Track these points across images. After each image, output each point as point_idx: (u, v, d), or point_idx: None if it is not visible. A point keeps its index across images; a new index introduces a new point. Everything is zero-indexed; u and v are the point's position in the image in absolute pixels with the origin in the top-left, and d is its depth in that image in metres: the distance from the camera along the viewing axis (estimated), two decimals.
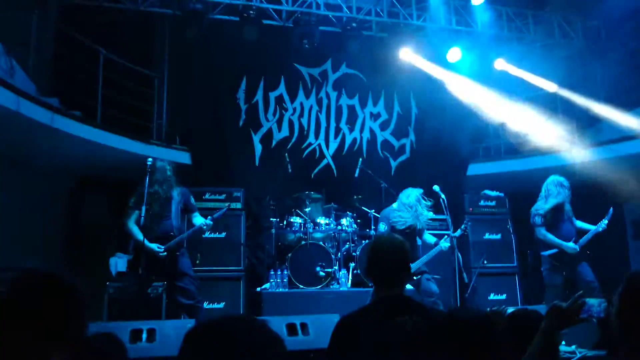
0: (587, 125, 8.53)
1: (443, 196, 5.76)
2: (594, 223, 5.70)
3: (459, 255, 5.80)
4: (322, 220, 6.81)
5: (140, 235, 4.56)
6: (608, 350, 4.27)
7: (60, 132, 5.60)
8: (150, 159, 4.79)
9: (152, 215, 4.72)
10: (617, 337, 1.70)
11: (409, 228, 5.40)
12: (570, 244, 5.55)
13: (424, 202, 5.59)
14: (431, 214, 6.09)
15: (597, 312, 1.88)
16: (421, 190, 5.64)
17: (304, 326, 3.89)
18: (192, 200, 5.12)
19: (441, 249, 5.41)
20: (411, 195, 5.56)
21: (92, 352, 1.59)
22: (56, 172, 7.33)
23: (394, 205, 5.71)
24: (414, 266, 5.38)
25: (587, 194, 5.80)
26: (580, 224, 5.78)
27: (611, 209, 5.70)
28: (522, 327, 2.48)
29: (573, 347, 4.88)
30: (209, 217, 4.95)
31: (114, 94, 6.79)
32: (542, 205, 5.73)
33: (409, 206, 5.48)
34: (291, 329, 3.86)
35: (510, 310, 3.01)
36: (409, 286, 5.56)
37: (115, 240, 7.09)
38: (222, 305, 6.15)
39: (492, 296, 7.16)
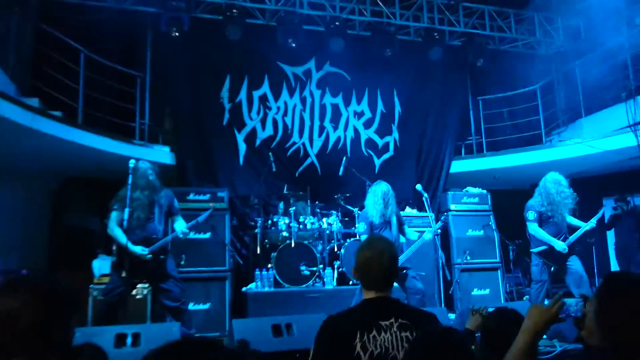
0: (567, 122, 8.68)
1: (426, 195, 5.82)
2: (584, 219, 5.81)
3: (441, 252, 5.86)
4: (306, 219, 6.83)
5: (123, 238, 4.52)
6: (585, 347, 4.38)
7: (41, 133, 5.53)
8: (132, 161, 4.73)
9: (135, 219, 4.68)
10: (590, 336, 1.75)
11: (384, 219, 5.43)
12: (560, 243, 5.64)
13: (392, 192, 5.58)
14: (414, 212, 6.17)
15: (574, 311, 1.93)
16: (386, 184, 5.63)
17: (289, 327, 3.91)
18: (176, 203, 5.09)
19: (424, 240, 5.45)
20: (378, 188, 5.56)
21: None
22: (38, 173, 7.25)
23: (366, 201, 5.71)
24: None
25: (574, 190, 5.88)
26: (570, 219, 5.88)
27: (603, 206, 5.81)
28: (502, 325, 2.54)
29: (554, 340, 4.99)
30: (192, 221, 4.93)
31: (96, 93, 6.72)
32: (537, 202, 5.81)
33: (378, 197, 5.49)
34: (276, 329, 3.88)
35: (490, 309, 3.08)
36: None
37: (99, 242, 7.04)
38: (207, 305, 6.13)
39: (475, 291, 7.25)
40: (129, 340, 3.62)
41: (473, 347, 3.98)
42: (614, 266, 8.31)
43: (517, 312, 2.54)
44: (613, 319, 1.64)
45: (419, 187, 5.89)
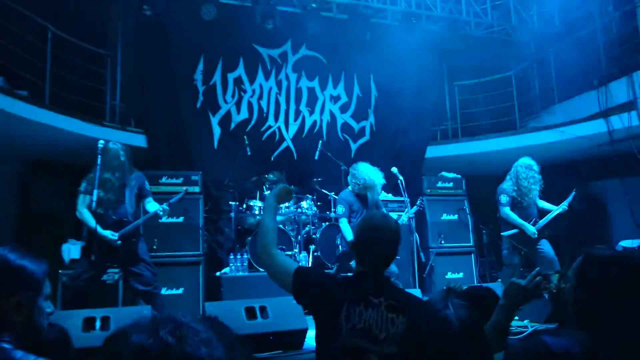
0: (540, 108, 8.79)
1: (401, 178, 5.83)
2: (556, 203, 5.89)
3: (417, 235, 5.88)
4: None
5: (92, 222, 4.38)
6: (559, 323, 4.47)
7: (4, 113, 5.32)
8: (101, 142, 4.59)
9: (105, 202, 4.55)
10: (568, 311, 1.75)
11: (362, 201, 5.44)
12: (530, 227, 5.71)
13: (373, 176, 5.58)
14: (391, 196, 6.18)
15: (551, 287, 1.94)
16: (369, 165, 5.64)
17: (262, 309, 3.87)
18: (147, 185, 4.96)
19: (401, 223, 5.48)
20: (362, 169, 5.56)
21: (32, 342, 1.52)
22: (4, 156, 7.00)
23: (349, 187, 5.73)
24: None
25: (547, 174, 5.96)
26: (542, 204, 5.95)
27: (574, 190, 5.90)
28: (476, 304, 2.55)
29: (525, 321, 5.07)
30: (165, 203, 4.83)
31: (64, 73, 6.50)
32: (509, 186, 5.87)
33: (359, 179, 5.49)
34: (250, 312, 3.84)
35: (465, 287, 3.10)
36: None
37: (68, 226, 6.86)
38: (180, 290, 6.04)
39: (449, 275, 7.34)
40: (97, 323, 3.53)
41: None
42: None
43: (491, 289, 2.54)
44: (590, 296, 1.65)
45: (394, 169, 5.89)
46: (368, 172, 5.55)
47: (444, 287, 3.17)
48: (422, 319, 1.94)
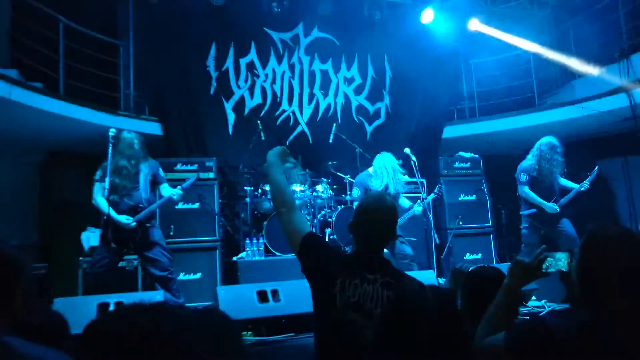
0: (560, 84, 8.55)
1: (414, 158, 5.77)
2: (575, 181, 5.76)
3: (431, 217, 5.83)
4: (297, 187, 6.77)
5: (106, 208, 4.47)
6: (570, 303, 4.39)
7: (20, 105, 5.39)
8: (112, 130, 4.66)
9: (120, 189, 4.64)
10: (574, 290, 1.73)
11: (386, 192, 5.41)
12: (551, 204, 5.60)
13: (398, 167, 5.59)
14: (406, 178, 6.12)
15: (562, 265, 1.90)
16: (392, 156, 5.62)
17: (274, 293, 3.89)
18: (161, 172, 5.03)
19: (414, 214, 5.44)
20: (386, 160, 5.55)
21: (30, 329, 1.54)
22: (22, 147, 7.13)
23: (370, 170, 5.70)
24: None
25: (565, 152, 5.81)
26: (564, 181, 5.83)
27: (596, 167, 5.75)
28: (481, 283, 2.51)
29: (543, 301, 5.00)
30: (178, 187, 4.89)
31: (77, 64, 6.55)
32: (531, 165, 5.75)
33: (385, 170, 5.47)
34: (262, 296, 3.86)
35: (471, 268, 3.05)
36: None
37: (88, 214, 6.99)
38: (198, 275, 6.11)
39: (467, 256, 7.26)
40: (111, 309, 3.59)
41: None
42: None
43: (498, 269, 2.50)
44: (591, 273, 1.62)
45: (407, 150, 5.83)
46: (385, 162, 5.53)
47: (453, 268, 3.14)
48: (404, 295, 1.92)
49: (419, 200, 5.56)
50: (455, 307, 1.62)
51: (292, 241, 2.16)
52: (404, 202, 5.71)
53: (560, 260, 1.94)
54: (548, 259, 1.86)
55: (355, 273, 1.98)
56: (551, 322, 1.55)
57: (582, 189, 5.69)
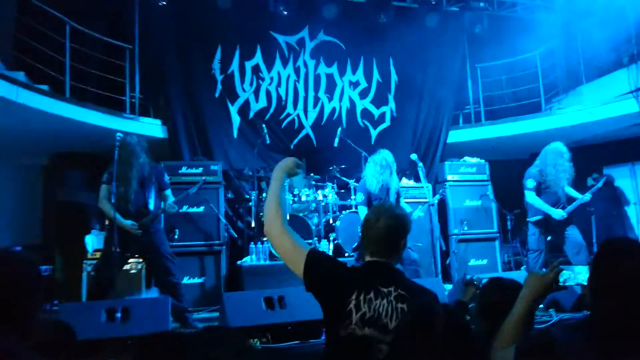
0: (568, 89, 8.51)
1: (421, 164, 5.72)
2: (581, 187, 5.73)
3: (437, 223, 5.78)
4: (302, 191, 6.74)
5: (112, 212, 4.46)
6: (585, 316, 4.36)
7: (26, 108, 5.39)
8: (119, 134, 4.64)
9: (125, 194, 4.62)
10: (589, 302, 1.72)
11: (384, 189, 5.37)
12: (558, 211, 5.56)
13: (392, 159, 5.50)
14: (412, 183, 6.11)
15: (581, 279, 1.89)
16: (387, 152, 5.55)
17: (281, 299, 3.86)
18: (166, 178, 5.01)
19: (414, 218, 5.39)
20: (378, 157, 5.48)
21: (39, 340, 1.51)
22: (28, 149, 7.14)
23: (365, 171, 5.63)
24: None
25: (572, 158, 5.76)
26: (569, 190, 5.79)
27: (604, 177, 5.71)
28: (500, 295, 2.47)
29: (550, 311, 4.95)
30: (186, 191, 4.89)
31: (83, 66, 6.55)
32: (537, 171, 5.71)
33: (382, 167, 5.40)
34: (269, 302, 3.83)
35: (484, 280, 3.01)
36: None
37: (92, 217, 6.98)
38: (202, 279, 6.10)
39: (472, 262, 7.23)
40: (118, 314, 3.57)
41: (468, 317, 3.94)
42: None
43: (515, 281, 2.46)
44: (603, 284, 1.60)
45: (414, 156, 5.80)
46: (366, 171, 5.48)
47: (461, 278, 3.10)
48: (418, 309, 1.89)
49: (419, 206, 5.52)
50: (464, 320, 1.60)
51: (293, 263, 2.05)
52: (406, 207, 5.68)
53: (580, 274, 1.92)
54: (565, 272, 1.84)
55: (369, 286, 1.94)
56: (558, 336, 1.55)
57: (586, 199, 5.66)
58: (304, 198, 6.70)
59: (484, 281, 2.96)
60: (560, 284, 1.82)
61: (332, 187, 6.98)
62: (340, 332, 1.89)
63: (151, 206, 4.77)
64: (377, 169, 5.38)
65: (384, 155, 5.45)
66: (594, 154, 8.37)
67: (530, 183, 5.71)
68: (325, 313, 1.99)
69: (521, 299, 1.86)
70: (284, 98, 7.90)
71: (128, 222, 4.59)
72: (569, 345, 1.49)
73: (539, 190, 5.70)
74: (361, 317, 1.88)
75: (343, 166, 7.20)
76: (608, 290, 1.56)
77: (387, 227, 2.08)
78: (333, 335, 1.93)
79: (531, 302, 1.84)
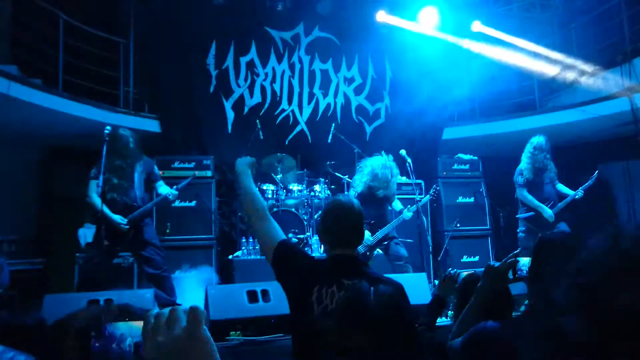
0: (562, 87, 8.49)
1: (409, 160, 5.74)
2: (574, 185, 5.74)
3: (424, 219, 5.80)
4: (294, 186, 6.77)
5: (100, 206, 4.48)
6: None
7: (18, 101, 5.42)
8: (107, 128, 4.66)
9: (115, 187, 4.64)
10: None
11: (381, 194, 5.38)
12: (548, 210, 5.59)
13: (395, 169, 5.53)
14: (402, 179, 6.11)
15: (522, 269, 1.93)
16: (391, 157, 5.58)
17: (265, 293, 3.89)
18: (156, 170, 5.03)
19: (404, 218, 5.42)
20: (385, 163, 5.49)
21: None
22: (21, 142, 7.16)
23: (364, 172, 5.65)
24: (382, 231, 5.41)
25: (564, 156, 5.79)
26: (561, 187, 5.81)
27: (595, 173, 5.73)
28: (472, 290, 2.51)
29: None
30: (174, 186, 4.89)
31: (77, 60, 6.57)
32: (522, 165, 5.76)
33: (382, 174, 5.42)
34: (252, 295, 3.86)
35: (463, 274, 3.05)
36: (378, 250, 5.60)
37: (85, 210, 7.01)
38: (194, 273, 6.11)
39: (464, 258, 7.24)
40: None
41: (450, 310, 3.97)
42: None
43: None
44: (540, 277, 1.66)
45: (402, 152, 5.81)
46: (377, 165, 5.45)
47: (443, 275, 3.14)
48: (349, 296, 1.91)
49: (408, 206, 5.54)
50: (399, 307, 1.62)
51: (265, 250, 2.13)
52: (397, 205, 5.70)
53: (525, 266, 1.97)
54: (524, 262, 1.87)
55: (332, 280, 1.97)
56: (489, 328, 1.61)
57: (577, 196, 5.67)
58: (296, 193, 6.72)
59: (462, 276, 3.00)
60: (517, 275, 1.87)
61: (325, 183, 6.99)
62: (303, 324, 1.91)
63: (141, 199, 4.79)
64: (377, 176, 5.37)
65: (382, 163, 5.45)
66: (588, 151, 8.37)
67: (520, 179, 5.75)
68: (290, 305, 2.01)
69: (477, 289, 1.91)
70: (278, 94, 7.91)
71: (117, 217, 4.60)
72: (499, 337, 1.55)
73: (530, 187, 5.73)
74: (323, 310, 1.90)
75: (336, 162, 7.21)
76: (539, 279, 1.63)
77: (357, 215, 2.12)
78: (297, 328, 1.96)
79: (487, 294, 1.88)
